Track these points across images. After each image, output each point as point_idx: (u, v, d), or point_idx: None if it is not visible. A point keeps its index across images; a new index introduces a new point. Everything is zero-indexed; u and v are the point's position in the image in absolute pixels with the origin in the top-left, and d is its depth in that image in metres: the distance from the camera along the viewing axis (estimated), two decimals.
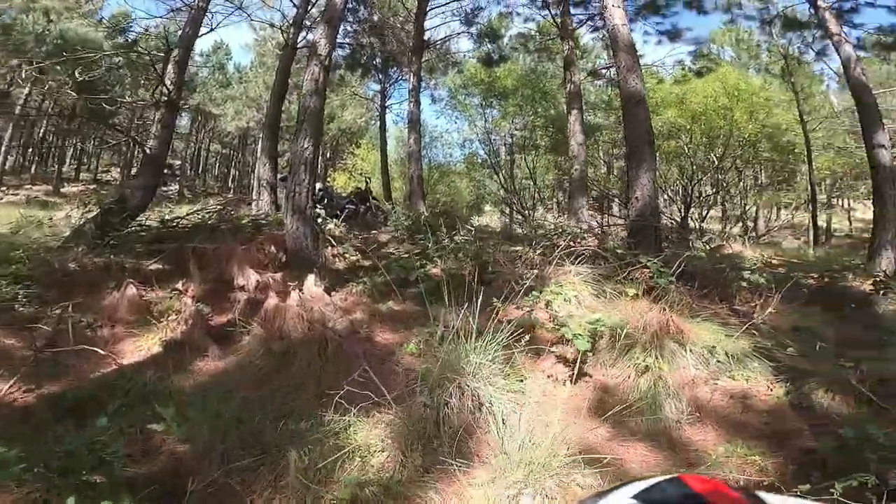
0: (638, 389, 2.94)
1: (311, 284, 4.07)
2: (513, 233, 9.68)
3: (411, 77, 10.55)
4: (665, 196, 15.02)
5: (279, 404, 3.02)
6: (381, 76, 15.26)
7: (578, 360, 3.07)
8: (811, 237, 14.54)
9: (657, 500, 0.42)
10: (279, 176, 10.96)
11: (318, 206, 10.24)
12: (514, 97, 13.36)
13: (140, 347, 3.80)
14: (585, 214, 9.33)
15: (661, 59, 12.56)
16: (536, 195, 14.96)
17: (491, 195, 22.41)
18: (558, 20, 10.27)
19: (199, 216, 8.19)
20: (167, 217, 8.14)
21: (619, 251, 5.11)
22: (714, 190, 14.73)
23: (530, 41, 12.61)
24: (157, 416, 2.70)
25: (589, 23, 10.66)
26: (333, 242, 5.30)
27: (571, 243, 5.30)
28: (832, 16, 7.49)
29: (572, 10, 10.21)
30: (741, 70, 14.12)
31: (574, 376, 3.09)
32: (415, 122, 10.32)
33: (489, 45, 12.32)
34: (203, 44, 40.40)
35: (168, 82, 7.51)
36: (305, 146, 5.16)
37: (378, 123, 18.17)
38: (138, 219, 7.38)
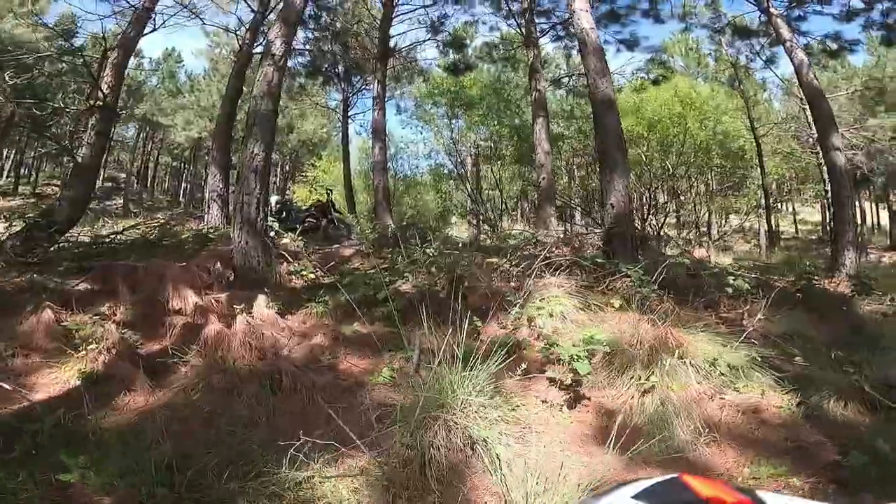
0: (644, 410, 2.60)
1: (262, 306, 3.54)
2: (483, 243, 9.36)
3: (376, 85, 10.13)
4: None
5: (224, 449, 2.49)
6: (343, 85, 14.75)
7: (575, 383, 2.72)
8: (762, 240, 15.08)
9: (657, 500, 0.40)
10: (231, 189, 10.25)
11: (272, 218, 9.60)
12: (479, 106, 13.19)
13: (56, 380, 3.17)
14: (554, 223, 9.14)
15: (621, 67, 12.71)
16: (503, 205, 14.78)
17: (458, 206, 22.17)
18: (523, 29, 10.19)
19: (139, 231, 7.40)
20: (102, 232, 7.30)
21: (598, 260, 4.85)
22: (669, 197, 15.05)
23: (495, 50, 12.53)
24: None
25: (552, 32, 10.65)
26: (289, 258, 4.74)
27: (549, 253, 5.00)
28: (784, 22, 7.70)
29: (536, 20, 10.16)
30: (691, 79, 14.58)
31: (572, 401, 2.72)
32: (379, 132, 9.87)
33: (455, 54, 12.11)
34: (153, 51, 38.23)
35: (104, 86, 6.76)
36: (256, 152, 4.62)
37: (340, 134, 17.59)
38: (70, 234, 6.56)
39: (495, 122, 13.34)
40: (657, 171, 13.75)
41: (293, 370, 2.71)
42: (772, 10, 7.97)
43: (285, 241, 4.87)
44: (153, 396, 2.83)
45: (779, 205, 18.17)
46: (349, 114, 16.34)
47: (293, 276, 4.76)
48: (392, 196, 17.24)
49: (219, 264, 4.42)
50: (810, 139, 12.98)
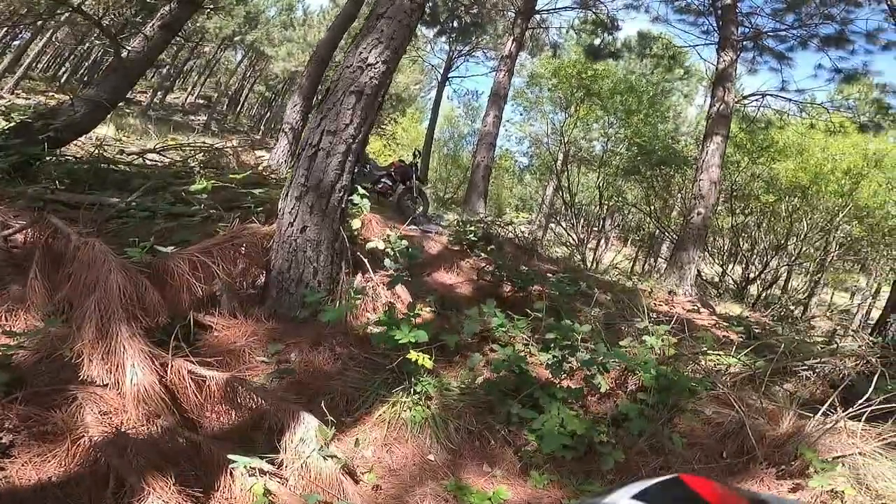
0: None
1: (310, 453, 1.20)
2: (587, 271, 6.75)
3: (510, 43, 7.44)
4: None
5: None
6: (453, 42, 12.11)
7: None
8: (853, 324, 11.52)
9: (657, 500, 0.36)
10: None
11: (362, 189, 7.53)
12: (607, 101, 10.25)
13: None
14: (693, 274, 6.39)
15: (823, 99, 9.19)
16: (603, 222, 11.86)
17: (520, 202, 19.24)
18: (715, 24, 7.27)
19: (182, 154, 5.26)
20: (132, 148, 5.23)
21: None
22: (793, 258, 11.75)
23: (653, 43, 9.59)
24: None
25: (745, 42, 7.55)
26: (371, 272, 2.37)
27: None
28: None
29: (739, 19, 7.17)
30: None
31: None
32: (500, 97, 7.23)
33: (604, 35, 9.23)
34: None
35: None
36: (371, 61, 2.19)
37: (432, 94, 15.07)
38: (88, 140, 4.53)
39: (621, 124, 10.41)
40: (797, 229, 10.58)
41: None
42: None
43: (373, 243, 2.39)
44: None
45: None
46: (448, 75, 13.76)
47: (371, 304, 2.41)
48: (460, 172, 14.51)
49: (241, 259, 2.11)
50: None
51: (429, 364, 1.78)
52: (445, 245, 4.79)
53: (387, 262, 2.16)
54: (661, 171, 10.31)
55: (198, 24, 19.30)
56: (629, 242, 19.24)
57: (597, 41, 9.07)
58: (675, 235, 12.31)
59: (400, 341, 1.74)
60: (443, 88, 13.42)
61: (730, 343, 3.25)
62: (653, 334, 2.18)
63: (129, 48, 4.00)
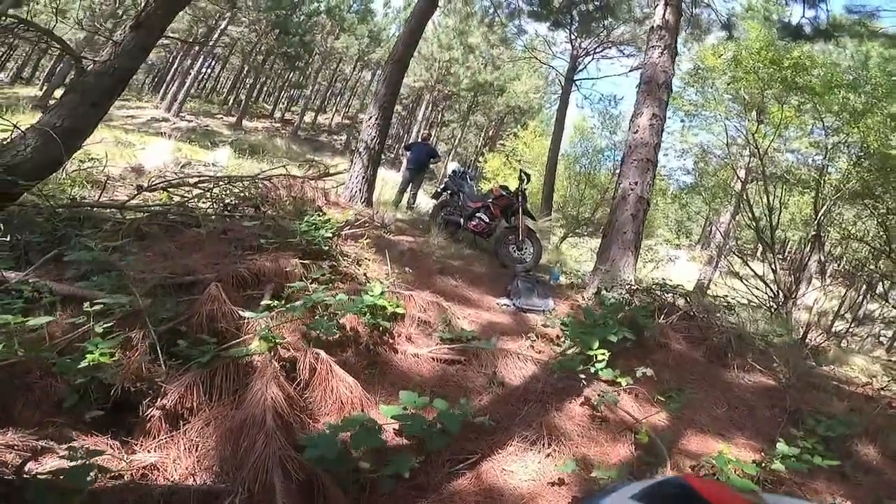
0: None
1: None
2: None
3: (662, 7, 4.82)
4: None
5: None
6: (575, 33, 9.58)
7: None
8: None
9: (657, 500, 0.35)
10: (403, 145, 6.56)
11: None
12: (818, 99, 6.66)
13: None
14: None
15: None
16: (817, 261, 7.86)
17: (686, 225, 15.14)
18: None
19: (236, 189, 4.06)
20: (153, 184, 4.20)
21: None
22: None
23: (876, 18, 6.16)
24: None
25: None
26: None
27: None
28: None
29: None
30: None
31: None
32: (658, 87, 4.39)
33: (807, 8, 6.05)
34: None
35: None
36: None
37: (555, 105, 12.55)
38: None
39: (846, 128, 6.69)
40: None
41: None
42: None
43: None
44: None
45: None
46: (574, 77, 11.15)
47: None
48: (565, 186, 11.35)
49: None
50: None
51: None
52: (546, 362, 2.60)
53: None
54: None
55: (328, 45, 20.21)
56: (827, 275, 13.91)
57: (793, 16, 5.81)
58: None
59: None
60: (568, 93, 10.87)
61: None
62: None
63: (93, 59, 2.81)
